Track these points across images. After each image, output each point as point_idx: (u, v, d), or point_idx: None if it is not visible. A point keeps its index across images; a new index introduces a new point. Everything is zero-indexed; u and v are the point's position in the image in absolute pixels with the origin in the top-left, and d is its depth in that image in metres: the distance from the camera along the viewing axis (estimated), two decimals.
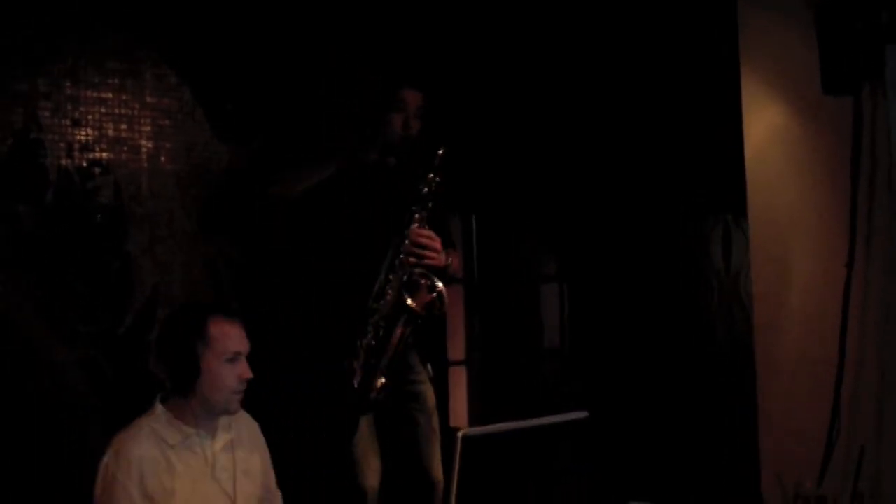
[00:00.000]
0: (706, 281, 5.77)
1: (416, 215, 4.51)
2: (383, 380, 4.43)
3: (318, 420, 4.63)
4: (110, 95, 4.80)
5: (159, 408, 3.50)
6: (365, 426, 4.57)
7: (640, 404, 5.81)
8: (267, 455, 3.79)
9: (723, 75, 5.24)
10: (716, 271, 5.74)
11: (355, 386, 4.41)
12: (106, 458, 3.38)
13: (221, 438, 3.58)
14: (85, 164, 4.70)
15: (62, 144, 4.65)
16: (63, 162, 4.65)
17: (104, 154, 4.75)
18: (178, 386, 3.47)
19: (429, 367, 4.79)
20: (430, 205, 4.53)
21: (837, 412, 4.56)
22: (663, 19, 5.81)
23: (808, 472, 4.36)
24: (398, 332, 4.47)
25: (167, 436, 3.44)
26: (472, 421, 6.35)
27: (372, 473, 4.59)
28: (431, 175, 4.52)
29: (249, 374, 3.52)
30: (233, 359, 3.48)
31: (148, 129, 4.88)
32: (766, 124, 5.01)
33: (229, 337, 3.49)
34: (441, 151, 4.53)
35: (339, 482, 4.57)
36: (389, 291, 4.47)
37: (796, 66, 4.84)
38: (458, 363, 6.46)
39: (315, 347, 4.63)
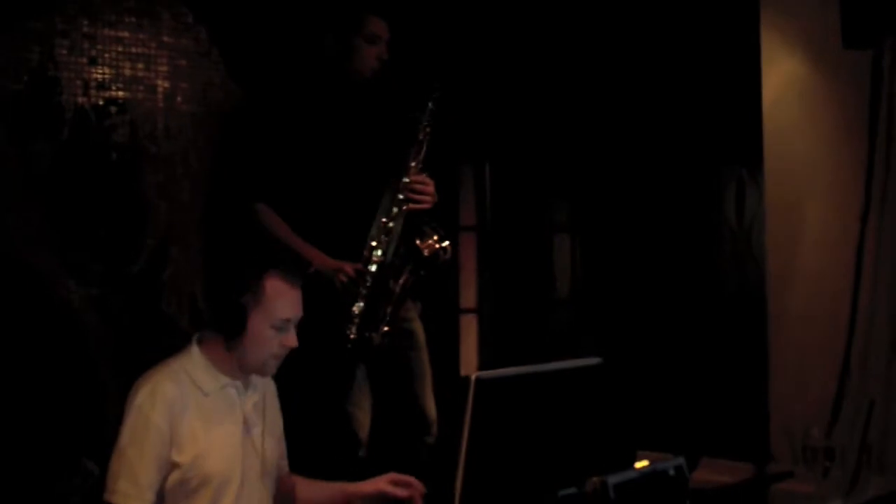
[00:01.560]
0: (719, 232, 5.77)
1: (413, 161, 4.51)
2: (387, 327, 4.44)
3: (313, 370, 4.53)
4: (127, 34, 4.78)
5: (195, 350, 3.29)
6: (358, 370, 4.58)
7: (650, 355, 5.82)
8: (282, 421, 3.58)
9: (742, 26, 5.22)
10: (729, 223, 5.73)
11: (352, 335, 4.40)
12: (139, 399, 3.15)
13: (254, 395, 3.39)
14: (101, 103, 4.69)
15: (78, 82, 4.64)
16: (79, 100, 4.64)
17: (120, 93, 4.74)
18: (222, 334, 3.25)
19: (418, 303, 4.79)
20: (424, 148, 4.52)
21: (848, 365, 4.58)
22: None
23: (816, 423, 4.38)
24: (403, 278, 4.48)
25: (203, 382, 3.24)
26: (482, 369, 6.36)
27: (364, 414, 4.61)
28: (425, 120, 4.51)
29: (294, 343, 3.29)
30: (281, 326, 3.24)
31: (164, 68, 4.86)
32: (784, 76, 5.01)
33: (283, 301, 3.24)
34: (434, 95, 4.52)
35: (333, 427, 4.57)
36: (387, 238, 4.46)
37: (816, 18, 4.82)
38: (469, 311, 6.47)
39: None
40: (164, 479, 3.15)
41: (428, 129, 4.53)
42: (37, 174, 4.52)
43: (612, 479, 2.94)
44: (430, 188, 4.54)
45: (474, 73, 5.99)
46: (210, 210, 4.98)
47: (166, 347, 4.50)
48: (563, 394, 3.13)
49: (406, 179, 4.48)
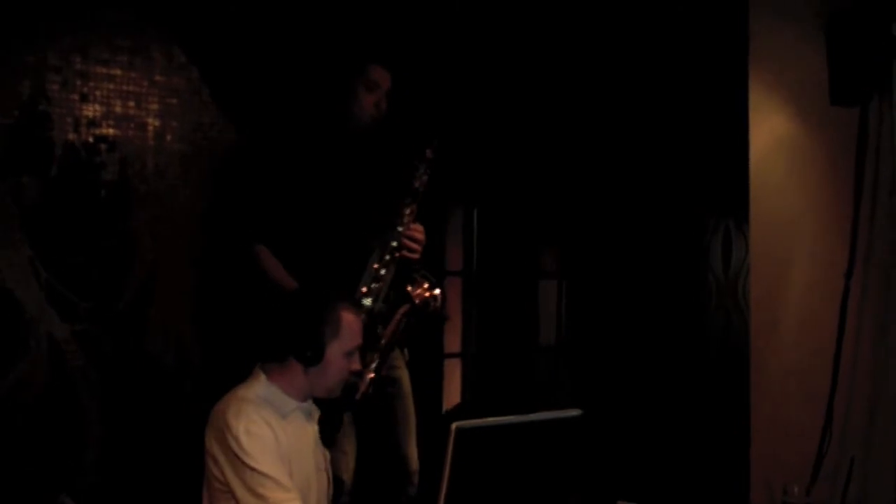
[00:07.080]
0: (705, 284, 5.79)
1: (408, 209, 4.51)
2: (372, 374, 4.41)
3: None
4: (119, 72, 4.78)
5: (263, 378, 3.52)
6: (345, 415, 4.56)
7: (633, 405, 5.82)
8: None
9: (731, 81, 5.26)
10: (715, 274, 5.75)
11: None
12: (239, 426, 3.31)
13: (315, 417, 3.67)
14: (91, 140, 4.69)
15: (69, 119, 4.64)
16: (69, 136, 4.63)
17: (111, 130, 4.74)
18: (301, 362, 3.50)
19: (405, 351, 4.78)
20: (420, 199, 4.53)
21: (830, 420, 4.58)
22: (674, 22, 5.81)
23: (797, 478, 4.37)
24: (392, 326, 4.47)
25: (279, 405, 3.47)
26: (465, 414, 6.34)
27: (349, 459, 4.58)
28: (422, 169, 4.53)
29: (359, 367, 3.66)
30: (352, 352, 3.57)
31: (155, 107, 4.86)
32: (771, 131, 5.03)
33: (355, 331, 3.58)
34: (433, 144, 4.54)
35: None
36: (378, 285, 4.46)
37: (804, 75, 4.85)
38: (453, 356, 6.46)
39: None
40: None
41: (425, 179, 4.55)
42: (25, 208, 4.51)
43: None
44: (423, 237, 4.55)
45: (463, 118, 6.01)
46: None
47: (149, 385, 4.51)
48: (543, 445, 3.13)
49: (400, 228, 4.49)
